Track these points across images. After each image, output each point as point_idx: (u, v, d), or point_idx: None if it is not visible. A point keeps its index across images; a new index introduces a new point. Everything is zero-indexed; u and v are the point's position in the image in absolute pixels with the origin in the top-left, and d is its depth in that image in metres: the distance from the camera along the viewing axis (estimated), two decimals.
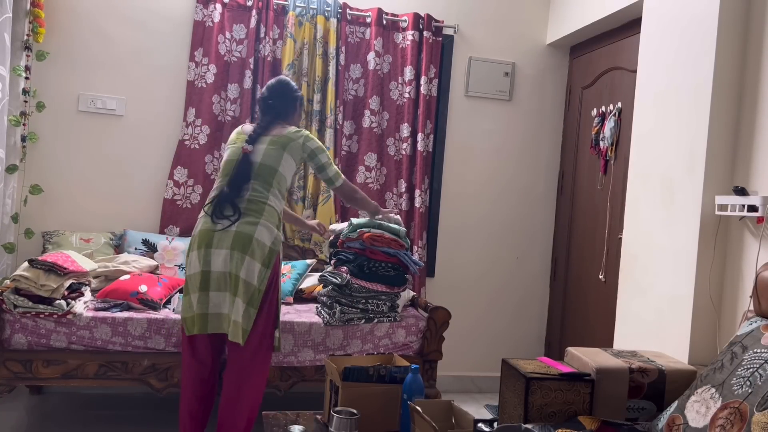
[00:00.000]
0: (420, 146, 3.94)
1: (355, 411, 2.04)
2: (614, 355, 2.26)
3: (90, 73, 3.60)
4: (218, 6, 3.68)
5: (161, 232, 3.64)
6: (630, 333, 2.87)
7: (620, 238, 3.16)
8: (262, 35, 3.73)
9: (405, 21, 3.95)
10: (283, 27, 3.77)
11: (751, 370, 1.78)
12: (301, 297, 3.47)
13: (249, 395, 2.63)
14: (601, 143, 3.70)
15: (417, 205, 3.94)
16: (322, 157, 2.85)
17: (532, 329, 4.28)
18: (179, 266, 3.46)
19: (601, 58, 3.85)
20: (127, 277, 3.10)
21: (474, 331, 4.16)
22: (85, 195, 3.60)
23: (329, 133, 3.78)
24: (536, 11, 4.21)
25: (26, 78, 3.37)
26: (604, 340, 3.36)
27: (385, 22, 3.93)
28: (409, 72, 3.93)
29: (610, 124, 3.61)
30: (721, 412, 1.76)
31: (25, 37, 3.33)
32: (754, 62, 2.45)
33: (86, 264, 3.02)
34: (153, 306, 2.99)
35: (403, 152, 3.94)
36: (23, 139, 3.41)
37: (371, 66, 3.90)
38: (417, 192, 3.95)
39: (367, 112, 3.90)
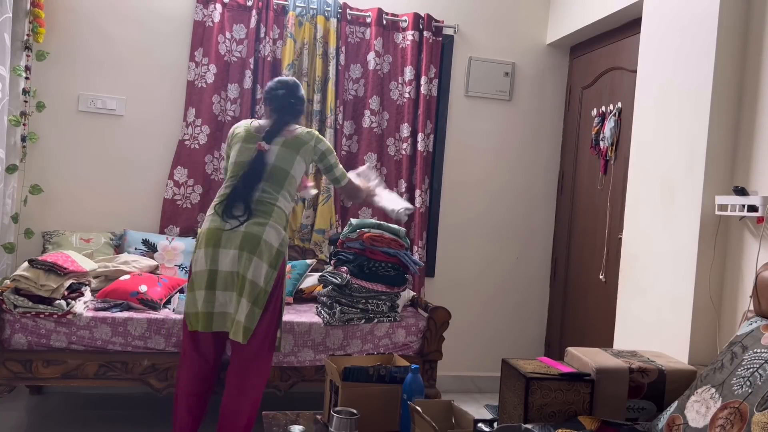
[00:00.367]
0: (420, 146, 3.94)
1: (355, 411, 2.04)
2: (614, 355, 2.26)
3: (90, 73, 3.61)
4: (218, 6, 3.68)
5: (161, 232, 3.64)
6: (630, 333, 2.87)
7: (620, 238, 3.16)
8: (262, 35, 3.73)
9: (405, 21, 3.95)
10: (283, 27, 3.77)
11: (751, 370, 1.78)
12: (301, 297, 3.47)
13: (251, 394, 2.65)
14: (601, 143, 3.70)
15: (417, 205, 3.93)
16: (331, 158, 2.92)
17: (532, 329, 4.28)
18: (179, 266, 3.46)
19: (601, 58, 3.85)
20: (127, 277, 3.10)
21: (474, 331, 4.16)
22: (85, 195, 3.60)
23: (329, 133, 3.77)
24: (536, 11, 4.20)
25: (26, 78, 3.37)
26: (604, 340, 3.35)
27: (385, 22, 3.93)
28: (409, 72, 3.93)
29: (610, 124, 3.61)
30: (721, 412, 1.76)
31: (25, 37, 3.33)
32: (754, 62, 2.44)
33: (86, 264, 3.02)
34: (153, 306, 2.99)
35: (403, 152, 3.94)
36: (23, 139, 3.41)
37: (371, 66, 3.90)
38: (417, 192, 3.95)
39: (367, 112, 3.90)
